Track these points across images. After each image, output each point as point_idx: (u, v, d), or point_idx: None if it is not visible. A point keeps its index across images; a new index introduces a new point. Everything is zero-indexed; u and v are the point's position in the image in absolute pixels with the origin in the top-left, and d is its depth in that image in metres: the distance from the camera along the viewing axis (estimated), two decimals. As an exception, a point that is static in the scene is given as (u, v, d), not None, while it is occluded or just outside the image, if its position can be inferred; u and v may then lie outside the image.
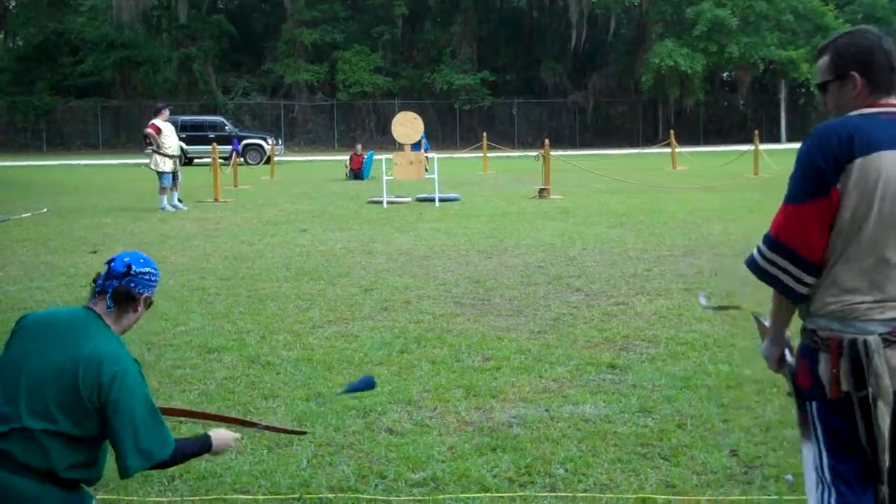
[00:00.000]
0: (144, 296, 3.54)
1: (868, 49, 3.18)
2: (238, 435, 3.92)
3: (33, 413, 3.30)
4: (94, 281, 3.56)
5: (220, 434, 3.68)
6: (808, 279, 3.17)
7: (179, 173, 20.48)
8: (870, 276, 3.09)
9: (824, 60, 3.25)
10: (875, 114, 3.13)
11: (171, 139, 19.95)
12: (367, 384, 4.55)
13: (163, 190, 19.93)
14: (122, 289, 3.48)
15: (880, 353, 3.05)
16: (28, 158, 47.90)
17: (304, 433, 5.32)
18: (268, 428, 5.12)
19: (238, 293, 10.26)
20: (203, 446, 3.61)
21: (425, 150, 29.61)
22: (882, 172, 3.04)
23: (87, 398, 3.27)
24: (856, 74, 3.17)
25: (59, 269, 11.98)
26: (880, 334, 3.07)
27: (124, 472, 3.35)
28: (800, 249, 3.14)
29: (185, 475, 5.05)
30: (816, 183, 3.09)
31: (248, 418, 5.69)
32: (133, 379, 3.37)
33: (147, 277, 3.55)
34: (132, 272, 3.51)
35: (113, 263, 3.55)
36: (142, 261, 3.56)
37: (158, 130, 19.83)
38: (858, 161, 3.04)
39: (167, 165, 19.79)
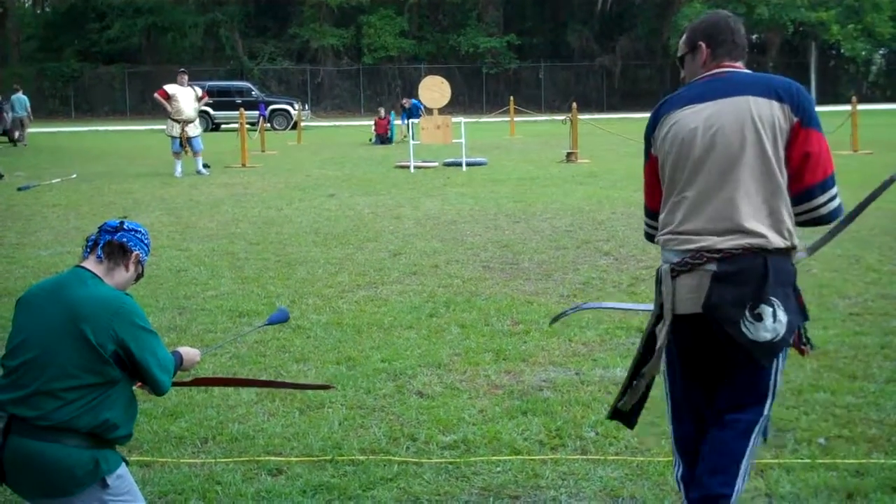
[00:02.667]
0: (135, 253, 3.60)
1: (715, 23, 3.73)
2: (200, 351, 3.98)
3: (53, 375, 3.33)
4: (87, 239, 3.62)
5: (186, 352, 3.82)
6: (650, 222, 3.88)
7: (198, 140, 20.08)
8: (673, 212, 3.60)
9: (682, 39, 3.80)
10: (705, 76, 3.69)
11: (182, 104, 19.80)
12: (282, 317, 4.55)
13: (175, 154, 19.96)
14: (114, 242, 3.57)
15: (668, 280, 3.55)
16: (57, 125, 48.10)
17: (330, 387, 5.35)
18: (295, 386, 5.15)
19: (267, 258, 10.30)
20: (177, 363, 3.73)
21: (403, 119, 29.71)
22: (675, 126, 3.60)
23: (99, 344, 3.32)
24: (702, 44, 3.70)
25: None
26: (673, 263, 3.54)
27: (161, 390, 3.54)
28: (646, 201, 3.89)
29: (217, 437, 5.09)
30: (645, 149, 3.79)
31: (274, 380, 5.73)
32: (133, 309, 3.46)
33: (139, 236, 3.65)
34: (124, 227, 3.62)
35: (107, 222, 3.67)
36: (136, 224, 3.69)
37: (166, 95, 19.85)
38: (661, 122, 3.67)
39: (175, 130, 19.83)
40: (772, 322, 3.40)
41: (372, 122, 32.88)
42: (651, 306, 3.77)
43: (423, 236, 11.52)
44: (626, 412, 3.79)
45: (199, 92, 20.68)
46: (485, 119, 43.29)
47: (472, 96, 59.77)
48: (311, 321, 7.51)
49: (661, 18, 60.03)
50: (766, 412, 3.55)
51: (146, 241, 3.69)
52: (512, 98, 38.36)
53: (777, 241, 3.45)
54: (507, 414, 5.36)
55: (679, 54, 3.81)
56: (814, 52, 59.88)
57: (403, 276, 9.15)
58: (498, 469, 4.62)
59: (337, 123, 48.05)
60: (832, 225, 3.80)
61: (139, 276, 3.68)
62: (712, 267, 3.45)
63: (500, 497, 4.32)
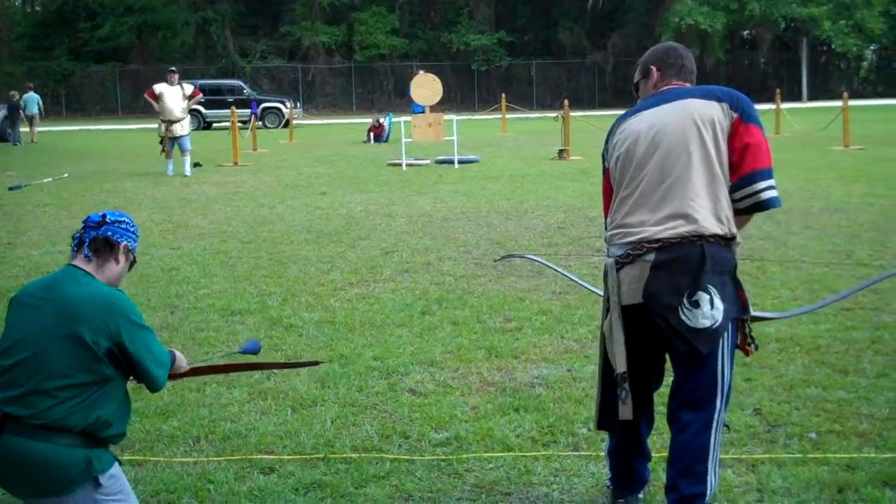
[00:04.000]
0: (124, 244, 3.57)
1: (665, 50, 4.02)
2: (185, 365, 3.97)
3: (47, 375, 3.32)
4: (73, 237, 3.60)
5: (178, 355, 3.81)
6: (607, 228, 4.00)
7: (186, 139, 19.86)
8: (619, 210, 3.78)
9: (637, 70, 4.06)
10: (658, 93, 3.87)
11: (168, 103, 19.66)
12: (254, 348, 4.55)
13: (165, 153, 19.91)
14: (98, 237, 3.54)
15: (612, 272, 3.73)
16: (48, 124, 47.90)
17: (319, 363, 5.34)
18: (285, 365, 5.07)
19: (259, 256, 10.29)
20: (172, 359, 3.73)
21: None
22: (623, 133, 3.83)
23: (93, 343, 3.31)
24: (653, 68, 3.96)
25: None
26: (617, 256, 3.72)
27: (157, 385, 3.55)
28: (605, 215, 4.00)
29: (210, 436, 5.09)
30: (602, 166, 4.04)
31: (265, 362, 5.65)
32: (127, 305, 3.45)
33: (123, 226, 3.61)
34: (107, 220, 3.59)
35: (90, 217, 3.63)
36: (118, 214, 3.66)
37: (153, 94, 19.83)
38: (613, 133, 3.93)
39: (161, 129, 19.83)
40: (709, 309, 3.53)
41: (366, 121, 32.79)
42: (595, 288, 4.03)
43: (416, 234, 11.52)
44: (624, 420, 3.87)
45: (189, 90, 20.49)
46: (477, 116, 43.30)
47: (463, 94, 59.78)
48: (304, 319, 7.50)
49: (653, 15, 60.04)
50: (719, 406, 3.65)
51: (132, 230, 3.66)
52: (504, 95, 38.32)
53: (714, 226, 3.58)
54: (499, 411, 5.37)
55: (634, 81, 4.06)
56: (805, 48, 59.96)
57: (396, 274, 9.15)
58: (490, 466, 4.63)
59: (329, 121, 48.01)
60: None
61: (132, 265, 3.66)
62: (651, 257, 3.61)
63: (492, 494, 4.32)
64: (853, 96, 29.32)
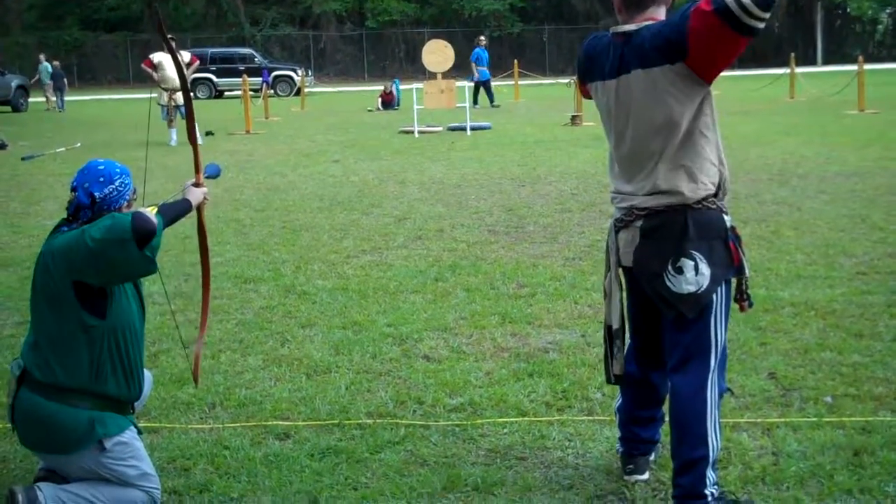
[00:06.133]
0: (122, 205, 3.53)
1: None
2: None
3: (46, 333, 3.38)
4: (67, 209, 3.54)
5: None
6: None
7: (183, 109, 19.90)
8: (612, 169, 3.82)
9: None
10: (618, 34, 3.68)
11: (168, 71, 19.49)
12: (214, 172, 4.55)
13: (170, 122, 19.86)
14: (94, 216, 3.48)
15: (612, 233, 3.80)
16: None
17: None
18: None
19: (272, 224, 10.29)
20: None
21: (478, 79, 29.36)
22: (597, 94, 3.77)
23: (61, 283, 3.32)
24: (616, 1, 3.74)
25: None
26: (615, 219, 3.78)
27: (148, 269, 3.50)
28: None
29: (225, 402, 5.11)
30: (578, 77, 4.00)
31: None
32: (90, 230, 3.36)
33: (114, 194, 3.52)
34: (97, 199, 3.48)
35: (77, 195, 3.50)
36: (101, 179, 3.52)
37: (151, 64, 19.74)
38: (586, 74, 3.85)
39: (163, 98, 19.73)
40: (693, 275, 3.54)
41: (377, 89, 32.68)
42: None
43: (428, 201, 11.50)
44: (621, 375, 3.93)
45: (187, 58, 20.33)
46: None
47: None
48: (317, 287, 7.51)
49: (666, -21, 59.44)
50: (712, 366, 3.64)
51: (124, 187, 3.57)
52: (516, 62, 38.09)
53: (697, 192, 3.54)
54: (513, 376, 5.37)
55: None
56: (820, 12, 59.39)
57: (408, 241, 9.15)
58: (505, 431, 4.63)
59: (340, 89, 47.87)
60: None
61: (133, 201, 3.63)
62: (639, 223, 3.65)
63: (506, 458, 4.33)
64: (868, 60, 29.02)
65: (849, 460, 4.15)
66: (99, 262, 3.33)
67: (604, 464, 4.25)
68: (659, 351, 3.88)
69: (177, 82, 19.64)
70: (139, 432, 3.73)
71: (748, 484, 3.98)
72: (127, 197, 3.59)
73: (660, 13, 3.63)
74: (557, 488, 4.03)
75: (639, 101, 3.55)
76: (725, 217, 3.63)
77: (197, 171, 4.36)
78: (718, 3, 3.22)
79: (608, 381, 4.02)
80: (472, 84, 28.66)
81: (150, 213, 3.64)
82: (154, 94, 20.80)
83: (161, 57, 19.72)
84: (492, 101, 29.28)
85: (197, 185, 4.19)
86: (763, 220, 9.41)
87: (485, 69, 29.52)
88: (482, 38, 31.67)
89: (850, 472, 4.04)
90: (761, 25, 3.25)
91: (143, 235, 3.37)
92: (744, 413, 4.73)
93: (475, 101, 28.61)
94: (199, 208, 4.22)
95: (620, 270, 3.82)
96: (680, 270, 3.54)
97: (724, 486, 3.84)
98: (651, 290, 3.64)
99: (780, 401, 4.89)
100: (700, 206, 3.55)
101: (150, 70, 19.81)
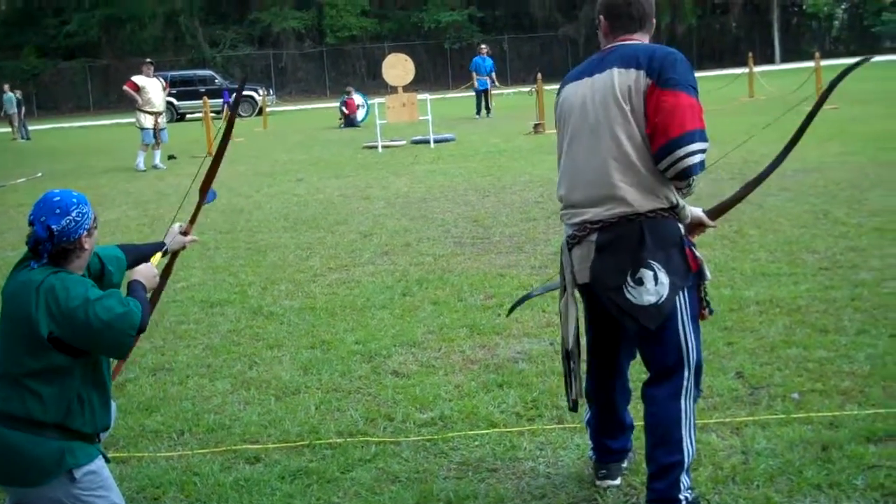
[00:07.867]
0: (81, 236, 3.45)
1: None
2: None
3: (11, 365, 3.32)
4: (27, 244, 3.47)
5: (141, 271, 3.70)
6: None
7: (165, 132, 19.93)
8: (560, 184, 3.80)
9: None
10: (601, 51, 3.79)
11: (151, 95, 19.48)
12: (211, 198, 4.57)
13: (144, 146, 19.66)
14: (54, 250, 3.39)
15: (565, 252, 3.75)
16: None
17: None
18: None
19: (237, 246, 10.24)
20: (143, 289, 3.59)
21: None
22: (562, 101, 3.85)
23: (35, 329, 3.26)
24: (602, 17, 3.83)
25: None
26: (567, 236, 3.73)
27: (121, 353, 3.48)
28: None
29: (193, 429, 5.07)
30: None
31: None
32: (63, 290, 3.31)
33: (72, 224, 3.40)
34: (55, 232, 3.38)
35: (34, 228, 3.41)
36: (58, 211, 3.39)
37: (135, 87, 19.60)
38: (558, 96, 3.92)
39: (147, 121, 19.55)
40: (653, 285, 3.53)
41: (339, 104, 32.57)
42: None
43: (394, 216, 11.49)
44: (578, 401, 3.97)
45: (164, 83, 20.43)
46: (451, 95, 43.15)
47: (436, 73, 59.57)
48: (284, 307, 7.48)
49: (622, -16, 59.83)
50: (686, 374, 3.64)
51: (81, 217, 3.44)
52: (474, 74, 38.00)
53: (650, 202, 3.54)
54: (483, 388, 5.36)
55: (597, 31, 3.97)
56: (776, 10, 60.02)
57: (375, 257, 9.13)
58: (476, 443, 4.63)
59: (303, 107, 47.77)
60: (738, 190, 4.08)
61: (93, 231, 3.52)
62: (594, 237, 3.61)
63: (478, 471, 4.32)
64: (825, 56, 29.35)
65: (817, 455, 4.18)
66: (91, 337, 3.31)
67: (575, 472, 4.25)
68: (616, 369, 3.93)
69: (161, 105, 19.60)
70: (107, 461, 3.68)
71: (718, 484, 4.00)
72: (87, 226, 3.49)
73: (644, 39, 3.76)
74: (529, 498, 4.03)
75: (600, 102, 3.60)
76: (679, 224, 3.64)
77: (192, 220, 4.46)
78: (691, 168, 3.48)
79: (570, 409, 4.02)
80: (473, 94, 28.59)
81: (155, 271, 3.85)
82: (130, 119, 20.69)
83: (143, 80, 19.53)
84: (478, 111, 29.22)
85: (185, 233, 4.19)
86: (726, 219, 9.45)
87: (484, 79, 29.03)
88: (483, 46, 31.30)
89: (819, 467, 4.07)
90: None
91: (143, 329, 3.41)
92: (712, 413, 4.75)
93: (478, 112, 28.95)
94: (176, 253, 4.34)
95: (576, 290, 3.81)
96: (640, 282, 3.53)
97: (696, 489, 3.86)
98: (610, 305, 3.62)
99: (748, 399, 4.92)
100: (654, 214, 3.55)
101: (132, 92, 19.51)
